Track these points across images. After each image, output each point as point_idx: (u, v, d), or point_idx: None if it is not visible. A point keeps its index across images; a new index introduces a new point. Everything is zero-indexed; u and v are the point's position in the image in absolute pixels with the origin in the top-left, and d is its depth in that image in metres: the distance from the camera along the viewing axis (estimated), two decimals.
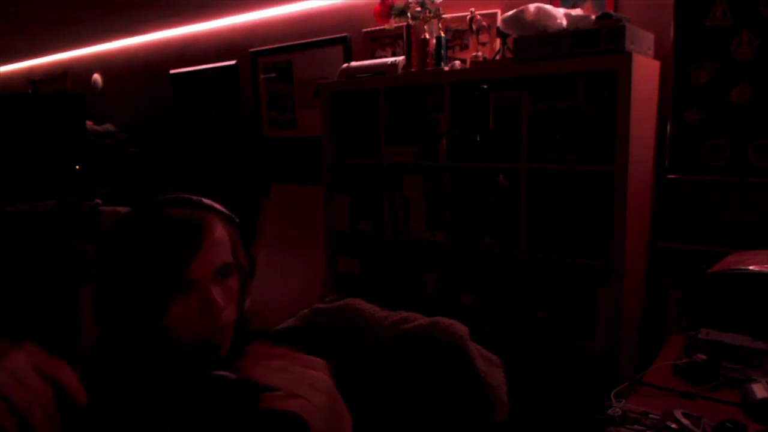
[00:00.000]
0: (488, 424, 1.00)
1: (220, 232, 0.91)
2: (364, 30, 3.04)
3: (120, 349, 0.90)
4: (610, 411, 1.20)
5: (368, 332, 1.04)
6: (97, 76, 5.14)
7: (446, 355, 0.99)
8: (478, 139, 2.32)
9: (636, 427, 1.15)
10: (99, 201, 3.50)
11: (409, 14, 2.44)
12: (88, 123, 4.73)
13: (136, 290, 0.86)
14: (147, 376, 0.87)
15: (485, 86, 2.31)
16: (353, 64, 2.75)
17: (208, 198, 0.97)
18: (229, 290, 0.91)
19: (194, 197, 0.94)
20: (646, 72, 1.99)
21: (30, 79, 6.12)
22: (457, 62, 2.41)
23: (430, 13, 2.42)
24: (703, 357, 1.38)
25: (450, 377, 0.99)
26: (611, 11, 2.09)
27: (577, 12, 2.09)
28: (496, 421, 1.00)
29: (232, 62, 3.86)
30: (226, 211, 0.97)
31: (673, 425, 1.14)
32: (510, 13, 2.08)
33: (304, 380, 0.67)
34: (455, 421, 0.98)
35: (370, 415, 0.96)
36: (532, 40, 2.04)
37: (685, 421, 1.14)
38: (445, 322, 1.02)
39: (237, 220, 0.98)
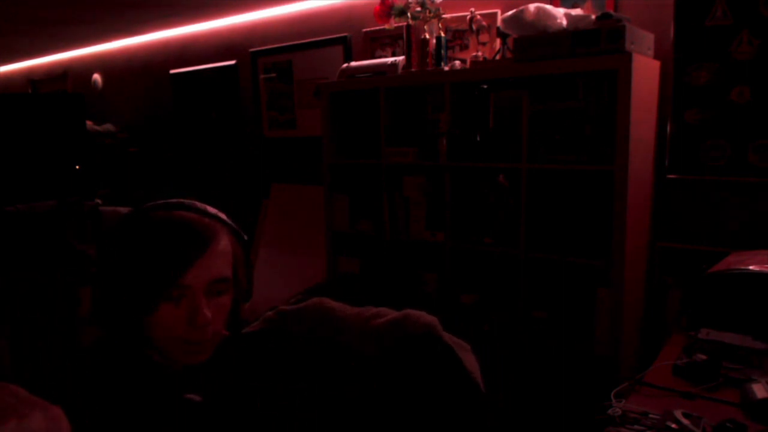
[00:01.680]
0: (475, 405, 1.00)
1: (224, 244, 0.90)
2: (364, 30, 3.04)
3: (118, 349, 0.90)
4: (610, 411, 1.20)
5: (343, 332, 1.04)
6: (97, 76, 5.14)
7: (426, 345, 0.99)
8: (478, 139, 2.32)
9: (636, 427, 1.15)
10: (99, 201, 3.51)
11: (409, 14, 2.44)
12: (88, 123, 4.73)
13: (132, 289, 0.85)
14: (135, 383, 0.87)
15: (485, 86, 2.31)
16: (353, 64, 2.75)
17: (219, 209, 0.95)
18: (221, 306, 0.89)
19: (209, 207, 0.93)
20: (646, 72, 1.99)
21: (30, 79, 6.12)
22: (457, 62, 2.41)
23: (430, 13, 2.42)
24: (703, 357, 1.38)
25: (435, 366, 0.99)
26: (611, 11, 2.09)
27: (577, 12, 2.09)
28: (477, 403, 1.01)
29: (232, 62, 3.86)
30: (236, 226, 0.95)
31: (673, 425, 1.14)
32: (510, 13, 2.08)
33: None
34: (448, 407, 0.99)
35: (366, 413, 0.96)
36: (532, 40, 2.04)
37: (685, 421, 1.14)
38: (416, 314, 1.03)
39: (245, 237, 0.96)
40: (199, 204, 0.92)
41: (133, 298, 0.85)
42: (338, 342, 1.02)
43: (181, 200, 0.92)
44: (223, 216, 0.94)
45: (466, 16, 2.49)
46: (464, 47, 2.63)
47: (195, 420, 0.86)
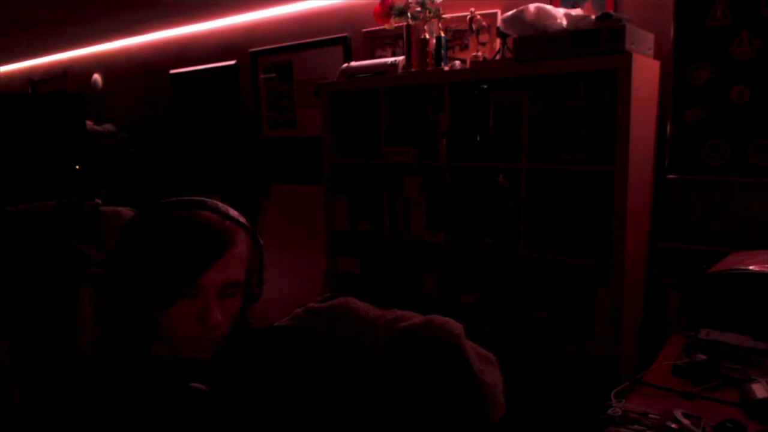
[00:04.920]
0: (483, 423, 1.00)
1: (241, 248, 0.91)
2: (364, 30, 3.04)
3: (120, 348, 0.91)
4: (610, 411, 1.20)
5: (364, 333, 1.04)
6: (97, 76, 5.14)
7: (441, 353, 0.99)
8: (478, 139, 2.32)
9: (636, 427, 1.15)
10: (99, 201, 3.50)
11: (409, 14, 2.44)
12: (88, 123, 4.73)
13: (148, 285, 0.86)
14: (139, 378, 0.87)
15: (485, 86, 2.31)
16: (353, 64, 2.75)
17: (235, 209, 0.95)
18: (231, 308, 0.90)
19: (231, 209, 0.93)
20: (646, 72, 1.99)
21: (30, 79, 6.12)
22: (457, 62, 2.41)
23: (430, 13, 2.42)
24: (703, 357, 1.38)
25: (445, 376, 0.98)
26: (611, 11, 2.09)
27: (577, 12, 2.09)
28: (492, 420, 1.00)
29: (232, 62, 3.86)
30: (254, 230, 0.96)
31: (673, 425, 1.14)
32: (510, 13, 2.08)
33: None
34: (450, 420, 0.98)
35: (368, 416, 0.96)
36: (532, 40, 2.04)
37: (685, 421, 1.14)
38: (440, 320, 1.02)
39: (261, 242, 0.97)
40: (221, 205, 0.93)
41: (149, 293, 0.85)
42: (357, 342, 1.02)
43: (204, 199, 0.92)
44: (243, 219, 0.94)
45: (466, 16, 2.49)
46: (464, 47, 2.63)
47: (204, 410, 0.87)
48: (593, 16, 1.97)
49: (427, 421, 0.97)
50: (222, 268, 0.86)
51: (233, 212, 0.93)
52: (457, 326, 1.02)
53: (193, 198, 0.92)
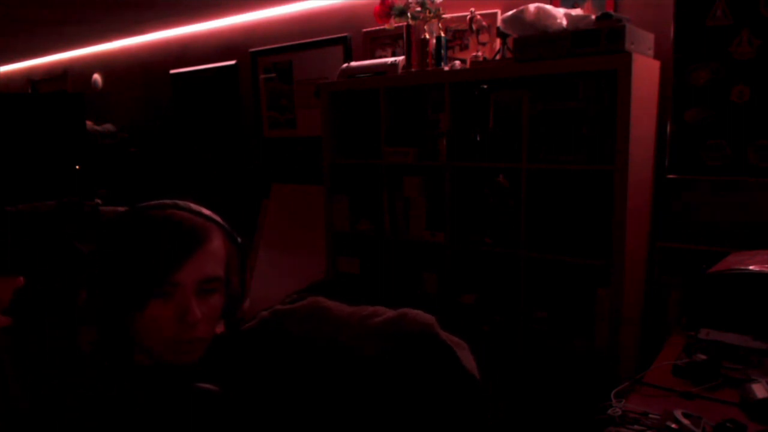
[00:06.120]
0: (469, 404, 1.00)
1: (217, 244, 0.90)
2: (364, 30, 3.04)
3: (116, 348, 0.91)
4: (610, 411, 1.20)
5: (341, 331, 1.03)
6: (97, 76, 5.14)
7: (422, 343, 0.99)
8: (478, 139, 2.32)
9: (636, 427, 1.15)
10: (99, 201, 3.50)
11: (409, 14, 2.44)
12: (88, 123, 4.73)
13: (123, 286, 0.85)
14: (131, 378, 0.87)
15: (485, 86, 2.31)
16: (353, 64, 2.75)
17: (214, 210, 0.95)
18: (211, 306, 0.89)
19: (204, 208, 0.93)
20: (646, 72, 1.99)
21: (30, 79, 6.12)
22: (457, 62, 2.41)
23: (430, 13, 2.42)
24: (703, 357, 1.38)
25: (429, 365, 0.99)
26: (611, 11, 2.09)
27: (577, 12, 2.10)
28: (475, 403, 1.00)
29: (232, 62, 3.86)
30: (229, 228, 0.95)
31: (673, 425, 1.14)
32: (510, 13, 2.08)
33: None
34: (439, 405, 0.99)
35: (368, 416, 0.96)
36: (532, 40, 2.04)
37: (685, 421, 1.14)
38: (413, 313, 1.03)
39: (240, 240, 0.96)
40: (193, 205, 0.93)
41: (124, 294, 0.85)
42: (335, 341, 1.02)
43: (176, 201, 0.92)
44: (217, 217, 0.94)
45: (466, 16, 2.49)
46: (464, 47, 2.63)
47: (210, 411, 0.86)
48: (593, 16, 1.97)
49: (424, 407, 0.97)
50: (197, 263, 0.86)
51: (206, 211, 0.93)
52: (429, 317, 1.03)
53: (165, 200, 0.92)
